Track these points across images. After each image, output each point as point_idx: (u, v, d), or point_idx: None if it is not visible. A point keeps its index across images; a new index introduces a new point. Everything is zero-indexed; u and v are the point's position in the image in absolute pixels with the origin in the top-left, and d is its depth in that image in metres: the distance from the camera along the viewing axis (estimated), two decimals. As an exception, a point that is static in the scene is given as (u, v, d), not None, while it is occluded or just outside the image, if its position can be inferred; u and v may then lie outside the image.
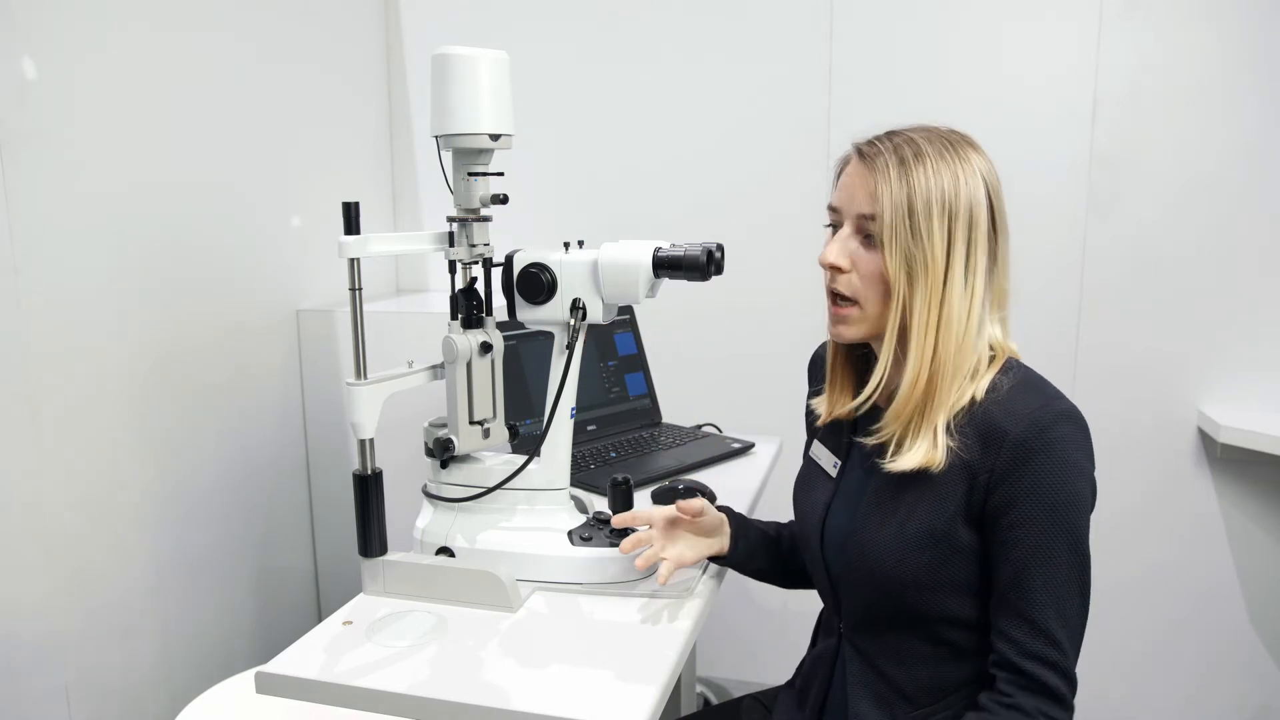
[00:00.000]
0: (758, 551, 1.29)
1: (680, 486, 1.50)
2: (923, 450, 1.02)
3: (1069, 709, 1.00)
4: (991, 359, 1.06)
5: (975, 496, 1.01)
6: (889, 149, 1.03)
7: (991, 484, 1.00)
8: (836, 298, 1.08)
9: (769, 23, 2.12)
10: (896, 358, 1.05)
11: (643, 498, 1.49)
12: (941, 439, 1.02)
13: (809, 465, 1.26)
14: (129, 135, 1.56)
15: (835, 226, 1.09)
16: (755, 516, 1.40)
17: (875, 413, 1.12)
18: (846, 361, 1.18)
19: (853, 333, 1.08)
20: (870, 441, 1.08)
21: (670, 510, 1.24)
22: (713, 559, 1.28)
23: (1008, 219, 1.07)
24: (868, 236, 1.04)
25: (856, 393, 1.18)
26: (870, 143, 1.06)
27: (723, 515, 1.28)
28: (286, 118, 1.95)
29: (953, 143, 1.04)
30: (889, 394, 1.08)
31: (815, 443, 1.26)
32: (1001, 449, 0.99)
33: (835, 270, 1.06)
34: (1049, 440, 0.98)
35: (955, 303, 1.02)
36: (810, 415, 1.29)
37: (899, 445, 1.04)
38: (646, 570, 1.23)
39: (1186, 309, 2.01)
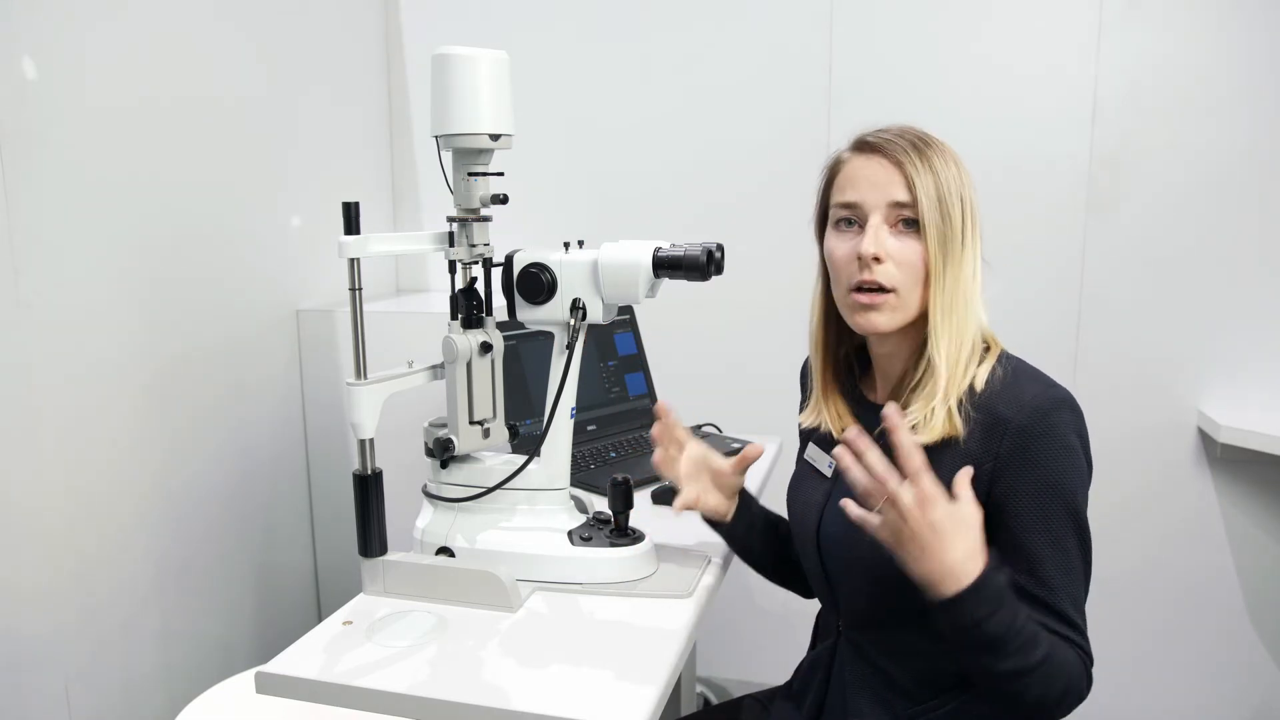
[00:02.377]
0: (757, 530, 1.29)
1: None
2: (940, 422, 1.03)
3: (1089, 683, 1.02)
4: (986, 349, 1.08)
5: (979, 486, 1.02)
6: (901, 139, 1.06)
7: (995, 472, 1.01)
8: (868, 288, 1.06)
9: (769, 25, 2.12)
10: (911, 342, 1.08)
11: (643, 498, 1.49)
12: (955, 412, 1.03)
13: (802, 467, 1.27)
14: (129, 135, 1.56)
15: (852, 222, 1.09)
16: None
17: (875, 407, 1.12)
18: (834, 373, 1.20)
19: (887, 320, 1.07)
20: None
21: (705, 449, 1.26)
22: (712, 525, 1.28)
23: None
24: (901, 224, 1.06)
25: (847, 399, 1.19)
26: (878, 135, 1.08)
27: (743, 484, 1.29)
28: (287, 117, 1.95)
29: (935, 137, 1.09)
30: (896, 383, 1.10)
31: (810, 445, 1.26)
32: (1004, 437, 1.01)
33: (876, 261, 1.05)
34: (1049, 425, 1.00)
35: (969, 282, 1.06)
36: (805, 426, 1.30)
37: (913, 426, 1.05)
38: (647, 570, 1.23)
39: (1186, 309, 2.01)
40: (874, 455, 0.93)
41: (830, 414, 1.19)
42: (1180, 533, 2.09)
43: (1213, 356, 2.02)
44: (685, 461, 1.25)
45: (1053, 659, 0.96)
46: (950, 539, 0.90)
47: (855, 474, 0.94)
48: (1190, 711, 2.15)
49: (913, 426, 1.05)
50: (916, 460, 0.91)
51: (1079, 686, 1.00)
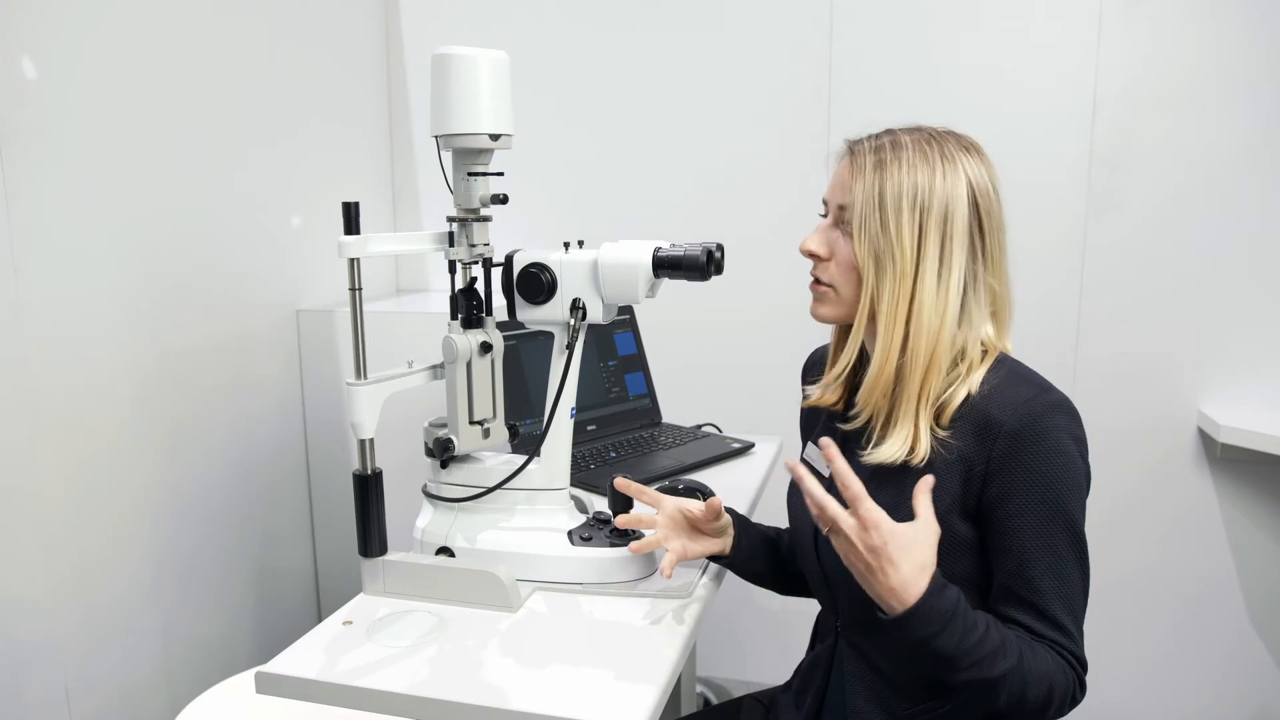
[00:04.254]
0: (758, 553, 1.29)
1: (680, 486, 1.50)
2: (898, 443, 1.04)
3: (1083, 688, 1.02)
4: (984, 355, 1.08)
5: (971, 489, 1.02)
6: (871, 145, 1.08)
7: (988, 475, 1.01)
8: (817, 280, 1.13)
9: (769, 24, 2.12)
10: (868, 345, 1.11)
11: (643, 498, 1.49)
12: (924, 434, 1.04)
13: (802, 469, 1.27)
14: (129, 135, 1.56)
15: (824, 217, 1.14)
16: (755, 517, 1.40)
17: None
18: (839, 348, 1.20)
19: (826, 312, 1.13)
20: (848, 428, 1.10)
21: (679, 501, 1.24)
22: (713, 558, 1.28)
23: (1003, 220, 1.09)
24: (844, 226, 1.09)
25: (846, 391, 1.19)
26: (857, 139, 1.11)
27: (728, 516, 1.28)
28: (286, 118, 1.95)
29: (940, 142, 1.07)
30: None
31: (809, 445, 1.26)
32: (996, 441, 1.01)
33: (814, 258, 1.12)
34: (1042, 429, 1.00)
35: (927, 297, 1.04)
36: (804, 419, 1.30)
37: (873, 437, 1.07)
38: (646, 570, 1.23)
39: (1186, 308, 2.01)
40: (810, 483, 0.95)
41: (833, 387, 1.19)
42: (1180, 533, 2.09)
43: (1213, 356, 2.02)
44: (662, 524, 1.22)
45: (1024, 670, 0.96)
46: (891, 563, 0.92)
47: (806, 492, 0.96)
48: (1190, 712, 2.15)
49: (871, 439, 1.07)
50: (854, 488, 0.93)
51: (1064, 694, 1.00)
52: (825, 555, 1.17)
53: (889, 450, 1.05)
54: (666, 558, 1.16)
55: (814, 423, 1.26)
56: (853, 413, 1.11)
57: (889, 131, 1.10)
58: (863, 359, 1.21)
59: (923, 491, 0.96)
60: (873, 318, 1.07)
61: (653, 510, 1.25)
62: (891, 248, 1.04)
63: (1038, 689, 0.97)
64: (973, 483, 1.02)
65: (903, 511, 1.02)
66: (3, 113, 1.34)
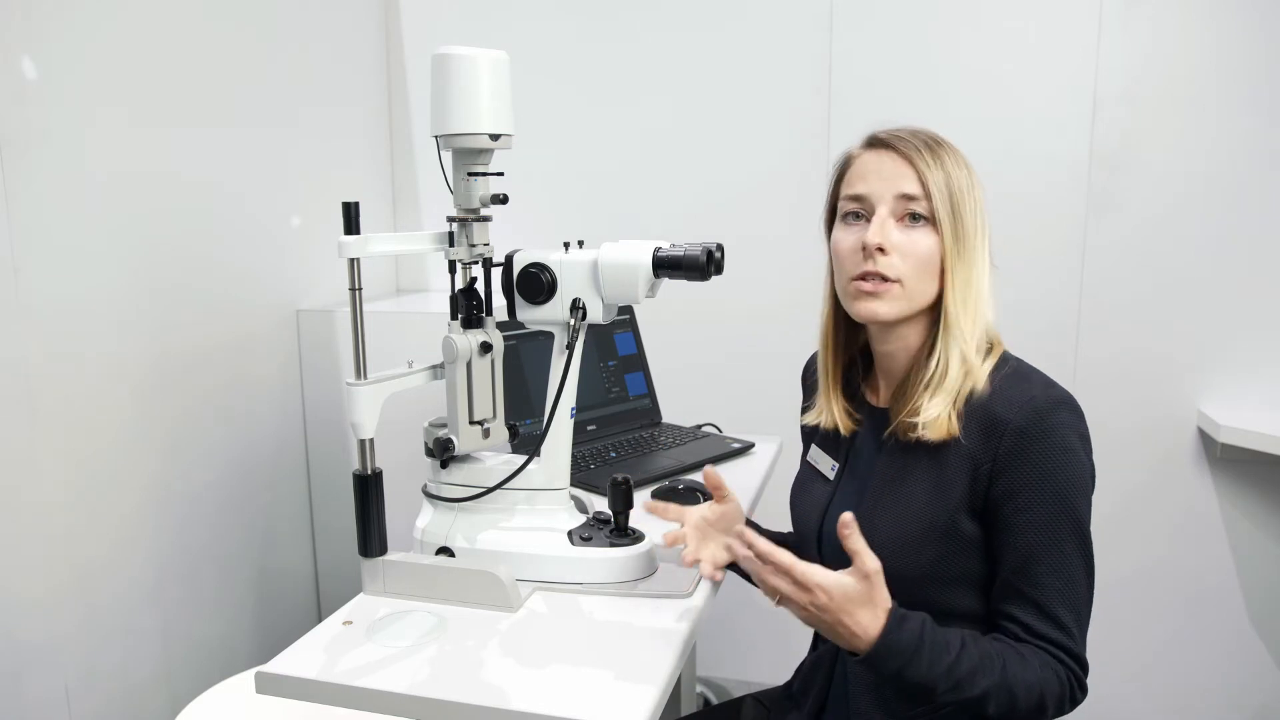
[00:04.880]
0: None
1: (680, 486, 1.50)
2: (945, 421, 1.04)
3: (1083, 689, 1.02)
4: (989, 349, 1.08)
5: (978, 487, 1.02)
6: (914, 138, 1.07)
7: (994, 473, 1.01)
8: (871, 277, 1.07)
9: (769, 24, 2.12)
10: (914, 340, 1.09)
11: (643, 498, 1.49)
12: (959, 412, 1.04)
13: (806, 470, 1.27)
14: (129, 135, 1.56)
15: (859, 215, 1.09)
16: (756, 516, 1.40)
17: (874, 410, 1.12)
18: (842, 372, 1.20)
19: (888, 309, 1.07)
20: (908, 420, 1.07)
21: (701, 509, 1.25)
22: (729, 566, 1.28)
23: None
24: (909, 218, 1.06)
25: (849, 398, 1.19)
26: (890, 132, 1.09)
27: (743, 513, 1.28)
28: (286, 117, 1.95)
29: (948, 141, 1.10)
30: (899, 382, 1.10)
31: (813, 447, 1.26)
32: (1002, 438, 1.01)
33: (880, 252, 1.05)
34: (1048, 427, 1.00)
35: (985, 282, 1.07)
36: (807, 425, 1.30)
37: (915, 423, 1.05)
38: (646, 570, 1.23)
39: (1186, 309, 2.01)
40: (752, 564, 0.97)
41: (838, 412, 1.19)
42: (1180, 533, 2.09)
43: (1213, 356, 2.02)
44: (690, 532, 1.24)
45: (1010, 681, 0.96)
46: (846, 614, 0.93)
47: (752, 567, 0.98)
48: (1190, 712, 2.15)
49: (924, 425, 1.05)
50: (783, 560, 0.94)
51: (1058, 697, 1.00)
52: (828, 555, 1.17)
53: (940, 430, 1.03)
54: (704, 565, 1.18)
55: (814, 426, 1.25)
56: (914, 406, 1.06)
57: (899, 128, 1.09)
58: (853, 366, 1.21)
59: (851, 530, 0.93)
60: (939, 310, 1.07)
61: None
62: (966, 237, 1.05)
63: (1028, 697, 0.97)
64: (979, 480, 1.02)
65: (921, 510, 1.04)
66: (3, 113, 1.34)
